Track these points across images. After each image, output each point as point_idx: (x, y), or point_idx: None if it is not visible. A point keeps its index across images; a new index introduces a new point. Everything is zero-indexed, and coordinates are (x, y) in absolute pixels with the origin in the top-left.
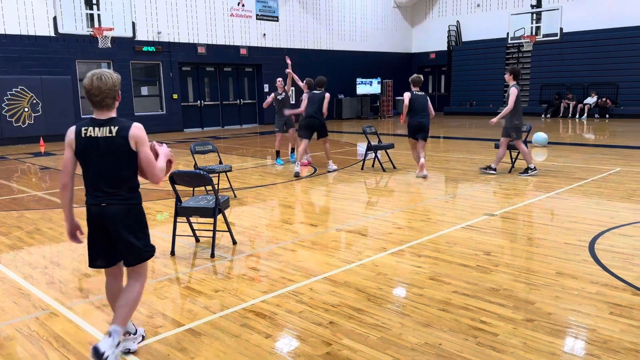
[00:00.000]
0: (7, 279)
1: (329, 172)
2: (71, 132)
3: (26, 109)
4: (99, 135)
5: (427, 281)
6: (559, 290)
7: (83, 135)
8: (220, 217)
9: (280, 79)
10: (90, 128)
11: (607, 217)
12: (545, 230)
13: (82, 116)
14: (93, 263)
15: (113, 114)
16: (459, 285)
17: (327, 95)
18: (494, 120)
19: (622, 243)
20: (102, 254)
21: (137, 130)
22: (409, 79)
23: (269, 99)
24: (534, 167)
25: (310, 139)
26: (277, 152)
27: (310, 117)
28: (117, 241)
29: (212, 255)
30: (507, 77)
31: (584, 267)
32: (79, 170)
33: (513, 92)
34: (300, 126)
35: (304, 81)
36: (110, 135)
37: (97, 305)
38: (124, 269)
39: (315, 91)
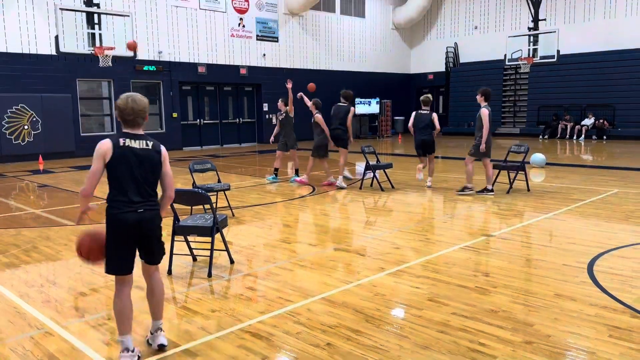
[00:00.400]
0: (2, 297)
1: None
2: (107, 143)
3: (26, 127)
4: (137, 147)
5: (425, 302)
6: (558, 312)
7: (122, 145)
8: (218, 236)
9: (280, 100)
10: (128, 140)
11: (605, 238)
12: (543, 252)
13: (82, 134)
14: (110, 267)
15: (142, 131)
16: (458, 307)
17: (352, 108)
18: (483, 147)
19: (621, 265)
20: (121, 260)
21: (164, 149)
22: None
23: (277, 126)
24: (472, 187)
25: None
26: (275, 169)
27: (335, 128)
28: (148, 243)
29: (210, 275)
30: (479, 98)
31: (583, 288)
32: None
33: (485, 113)
34: (314, 147)
35: (311, 101)
36: (148, 148)
37: (92, 325)
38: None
39: (340, 104)
